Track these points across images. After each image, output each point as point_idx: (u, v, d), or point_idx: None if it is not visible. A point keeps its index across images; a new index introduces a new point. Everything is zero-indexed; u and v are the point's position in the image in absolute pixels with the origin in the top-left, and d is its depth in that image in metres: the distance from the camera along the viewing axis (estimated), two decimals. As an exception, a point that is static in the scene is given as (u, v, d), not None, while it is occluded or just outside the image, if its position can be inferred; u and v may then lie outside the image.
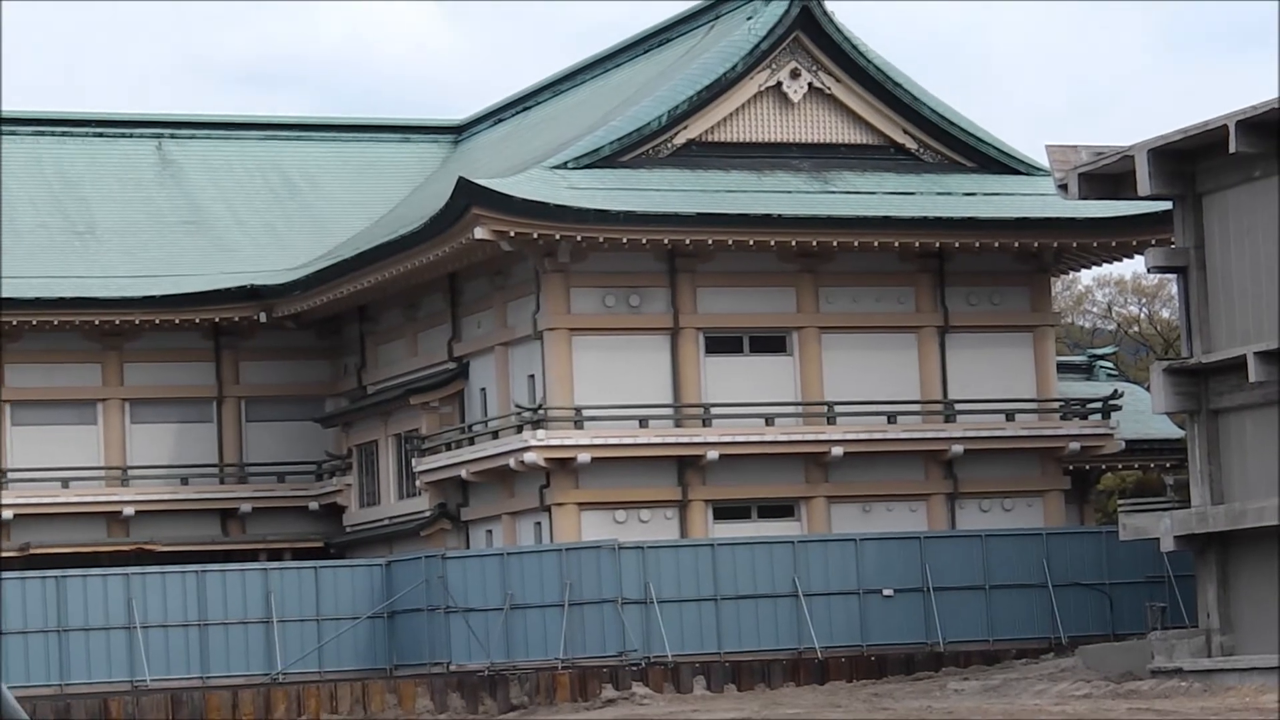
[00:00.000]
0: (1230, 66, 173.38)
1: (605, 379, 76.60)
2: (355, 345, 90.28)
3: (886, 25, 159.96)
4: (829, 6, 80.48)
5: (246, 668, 70.31)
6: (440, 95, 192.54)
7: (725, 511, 77.79)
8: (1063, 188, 68.63)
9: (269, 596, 71.39)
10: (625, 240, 75.25)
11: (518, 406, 77.31)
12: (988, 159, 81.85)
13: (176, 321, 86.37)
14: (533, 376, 77.71)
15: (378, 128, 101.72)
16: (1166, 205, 67.75)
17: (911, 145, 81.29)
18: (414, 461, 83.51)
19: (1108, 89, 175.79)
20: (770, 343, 78.85)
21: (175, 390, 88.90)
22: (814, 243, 76.91)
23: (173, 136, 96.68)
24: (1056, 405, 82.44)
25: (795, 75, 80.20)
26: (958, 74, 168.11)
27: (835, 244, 77.04)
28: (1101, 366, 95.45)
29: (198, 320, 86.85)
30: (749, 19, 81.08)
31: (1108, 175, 66.82)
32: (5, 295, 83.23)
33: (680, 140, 78.87)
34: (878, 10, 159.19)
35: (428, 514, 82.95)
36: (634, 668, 69.31)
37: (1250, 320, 63.82)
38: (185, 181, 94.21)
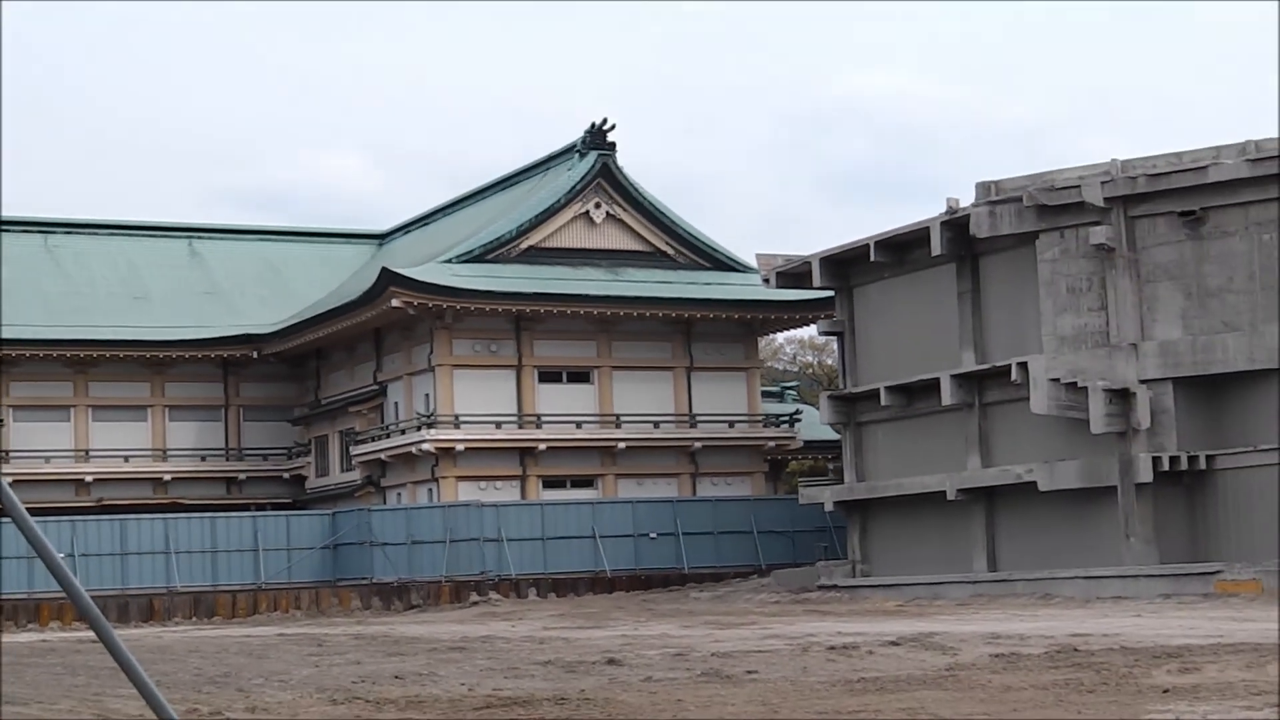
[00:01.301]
0: (870, 205, 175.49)
1: (474, 397, 76.72)
2: (314, 373, 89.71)
3: (658, 166, 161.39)
4: (621, 162, 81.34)
5: (243, 579, 69.98)
6: (369, 213, 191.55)
7: (550, 483, 77.88)
8: (766, 281, 69.66)
9: (256, 534, 71.07)
10: (488, 309, 75.68)
11: (418, 414, 77.41)
12: (719, 261, 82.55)
13: (199, 356, 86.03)
14: (428, 394, 77.70)
15: (330, 234, 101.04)
16: (831, 293, 68.66)
17: (671, 252, 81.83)
18: (351, 448, 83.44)
19: (794, 214, 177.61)
20: (580, 376, 79.20)
21: (199, 400, 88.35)
22: (608, 313, 77.47)
23: (200, 237, 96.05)
24: (761, 418, 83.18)
25: (598, 206, 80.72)
26: (703, 200, 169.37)
27: (621, 314, 77.62)
28: (789, 394, 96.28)
29: (213, 355, 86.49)
30: (569, 170, 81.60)
31: (795, 273, 67.76)
32: (87, 338, 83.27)
33: (524, 246, 79.07)
34: (652, 157, 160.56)
35: (359, 482, 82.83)
36: (491, 582, 69.55)
37: (881, 366, 64.95)
38: (208, 266, 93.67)
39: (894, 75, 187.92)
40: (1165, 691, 20.11)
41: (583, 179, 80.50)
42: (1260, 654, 24.87)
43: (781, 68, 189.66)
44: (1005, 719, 17.93)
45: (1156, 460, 54.67)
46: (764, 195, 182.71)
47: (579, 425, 78.13)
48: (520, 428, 77.37)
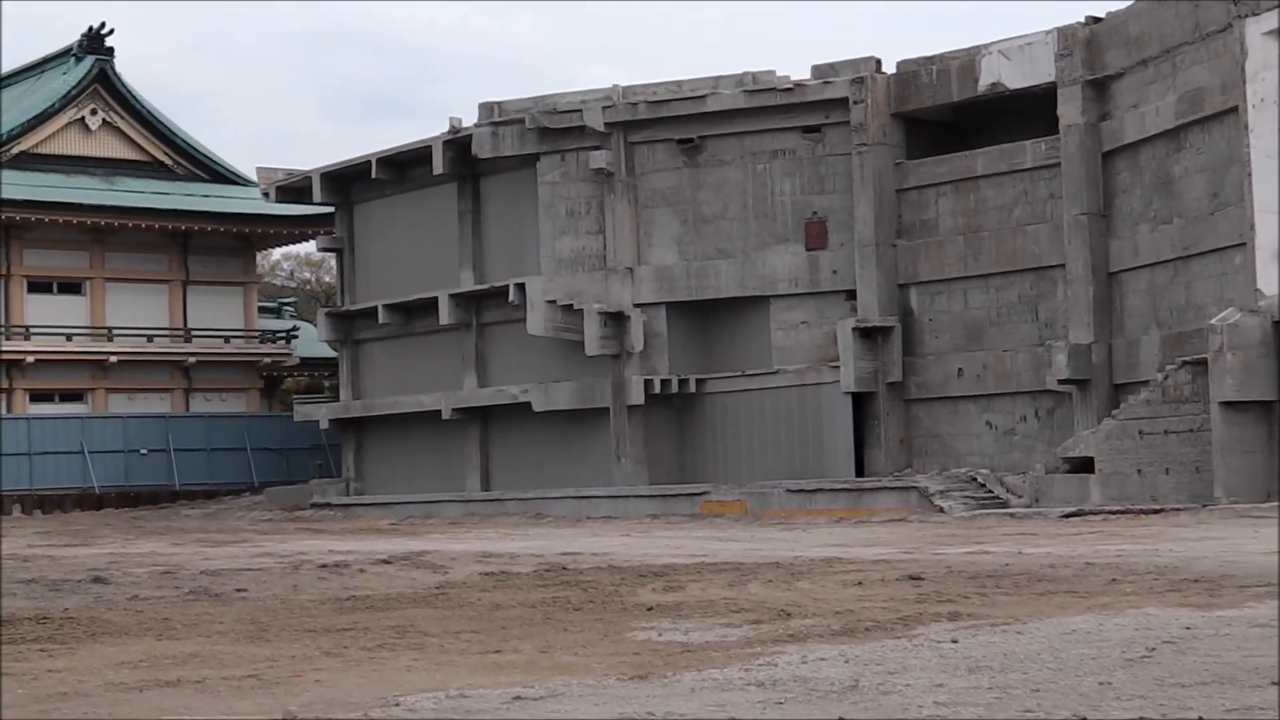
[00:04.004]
0: (376, 126, 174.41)
1: (-42, 307, 74.13)
2: None
3: (161, 77, 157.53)
4: (120, 70, 79.20)
5: None
6: None
7: (38, 396, 75.57)
8: (266, 195, 68.99)
9: None
10: (-25, 216, 72.91)
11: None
12: (219, 173, 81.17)
13: None
14: (-91, 303, 74.78)
15: None
16: (331, 209, 68.30)
17: (169, 163, 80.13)
18: None
19: (298, 130, 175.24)
20: (72, 287, 76.95)
21: None
22: (102, 223, 75.35)
23: None
24: (257, 334, 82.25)
25: (94, 113, 78.45)
26: (206, 113, 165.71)
27: (116, 224, 75.58)
28: (286, 309, 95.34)
29: None
30: (64, 74, 79.05)
31: (296, 188, 67.25)
32: None
33: (15, 151, 76.21)
34: (155, 67, 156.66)
35: None
36: (-27, 498, 67.74)
37: (381, 284, 64.95)
38: None
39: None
40: (650, 609, 20.54)
41: (78, 84, 78.03)
42: (741, 573, 25.62)
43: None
44: (493, 636, 18.09)
45: (648, 383, 55.96)
46: (268, 110, 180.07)
47: (69, 338, 75.93)
48: (7, 339, 74.70)
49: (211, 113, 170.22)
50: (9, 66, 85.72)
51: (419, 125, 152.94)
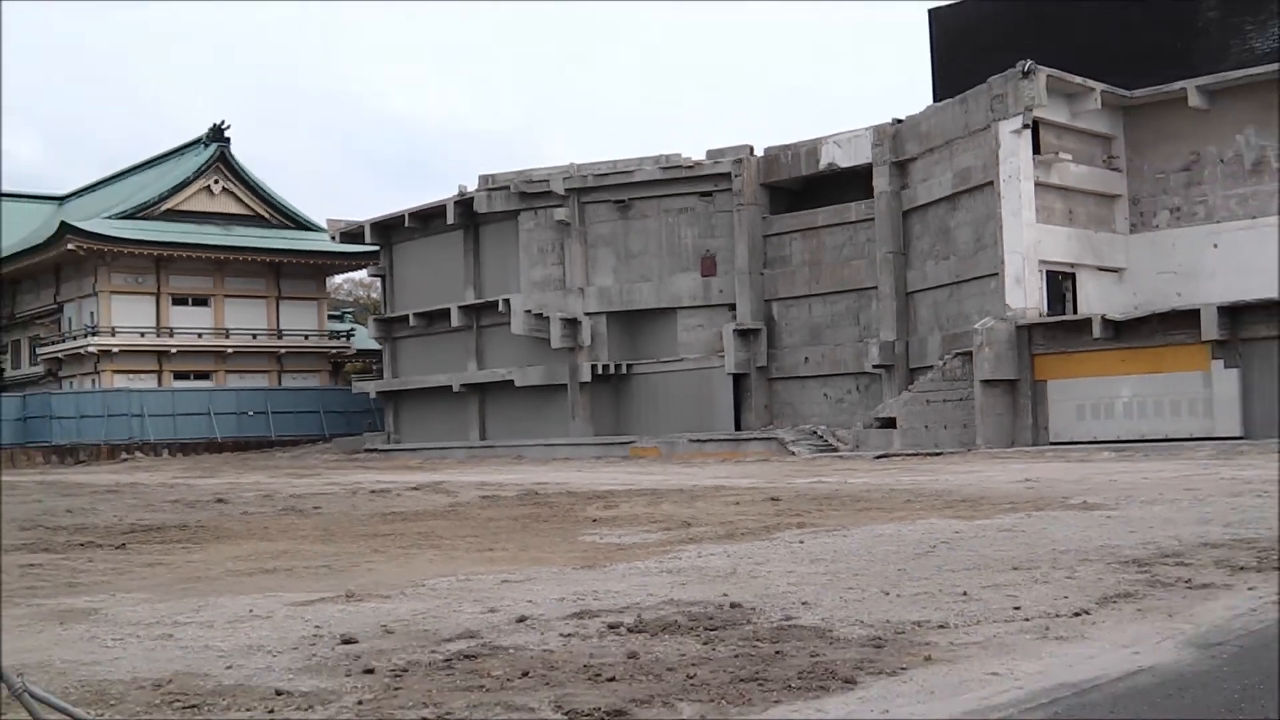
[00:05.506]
0: (405, 188, 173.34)
1: (126, 314, 73.10)
2: (11, 296, 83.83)
3: (264, 153, 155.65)
4: (234, 151, 78.37)
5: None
6: (43, 181, 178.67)
7: (179, 375, 74.56)
8: (333, 238, 68.30)
9: (-43, 409, 66.60)
10: (137, 252, 71.85)
11: (85, 325, 73.44)
12: (300, 223, 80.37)
13: (-87, 280, 79.41)
14: (92, 311, 73.63)
15: (27, 195, 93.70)
16: (377, 248, 67.74)
17: (267, 216, 79.30)
18: (37, 350, 78.55)
19: (354, 192, 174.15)
20: (201, 301, 75.97)
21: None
22: (221, 258, 74.60)
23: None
24: (327, 333, 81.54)
25: (216, 182, 77.55)
26: (290, 177, 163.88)
27: (231, 259, 74.87)
28: (347, 316, 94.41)
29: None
30: (196, 155, 78.19)
31: (355, 233, 66.61)
32: None
33: (164, 208, 75.25)
34: (262, 147, 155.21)
35: (43, 374, 78.10)
36: (137, 446, 66.61)
37: (411, 298, 64.42)
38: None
39: (414, 91, 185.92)
40: (594, 521, 20.53)
41: (206, 162, 77.22)
42: (656, 496, 25.61)
43: (339, 82, 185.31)
44: (487, 539, 18.02)
45: (594, 367, 55.84)
46: (329, 174, 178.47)
47: (200, 336, 75.17)
48: (158, 336, 73.98)
49: (293, 176, 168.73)
50: (161, 152, 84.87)
51: (436, 188, 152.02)
